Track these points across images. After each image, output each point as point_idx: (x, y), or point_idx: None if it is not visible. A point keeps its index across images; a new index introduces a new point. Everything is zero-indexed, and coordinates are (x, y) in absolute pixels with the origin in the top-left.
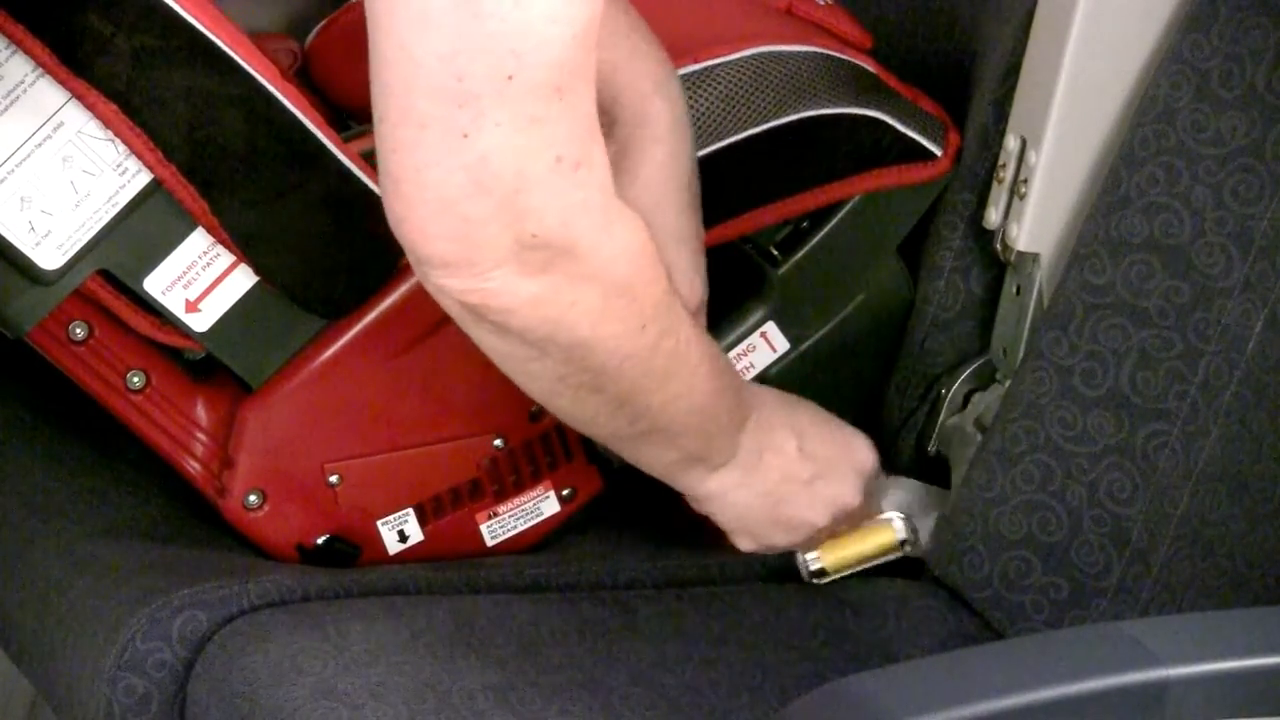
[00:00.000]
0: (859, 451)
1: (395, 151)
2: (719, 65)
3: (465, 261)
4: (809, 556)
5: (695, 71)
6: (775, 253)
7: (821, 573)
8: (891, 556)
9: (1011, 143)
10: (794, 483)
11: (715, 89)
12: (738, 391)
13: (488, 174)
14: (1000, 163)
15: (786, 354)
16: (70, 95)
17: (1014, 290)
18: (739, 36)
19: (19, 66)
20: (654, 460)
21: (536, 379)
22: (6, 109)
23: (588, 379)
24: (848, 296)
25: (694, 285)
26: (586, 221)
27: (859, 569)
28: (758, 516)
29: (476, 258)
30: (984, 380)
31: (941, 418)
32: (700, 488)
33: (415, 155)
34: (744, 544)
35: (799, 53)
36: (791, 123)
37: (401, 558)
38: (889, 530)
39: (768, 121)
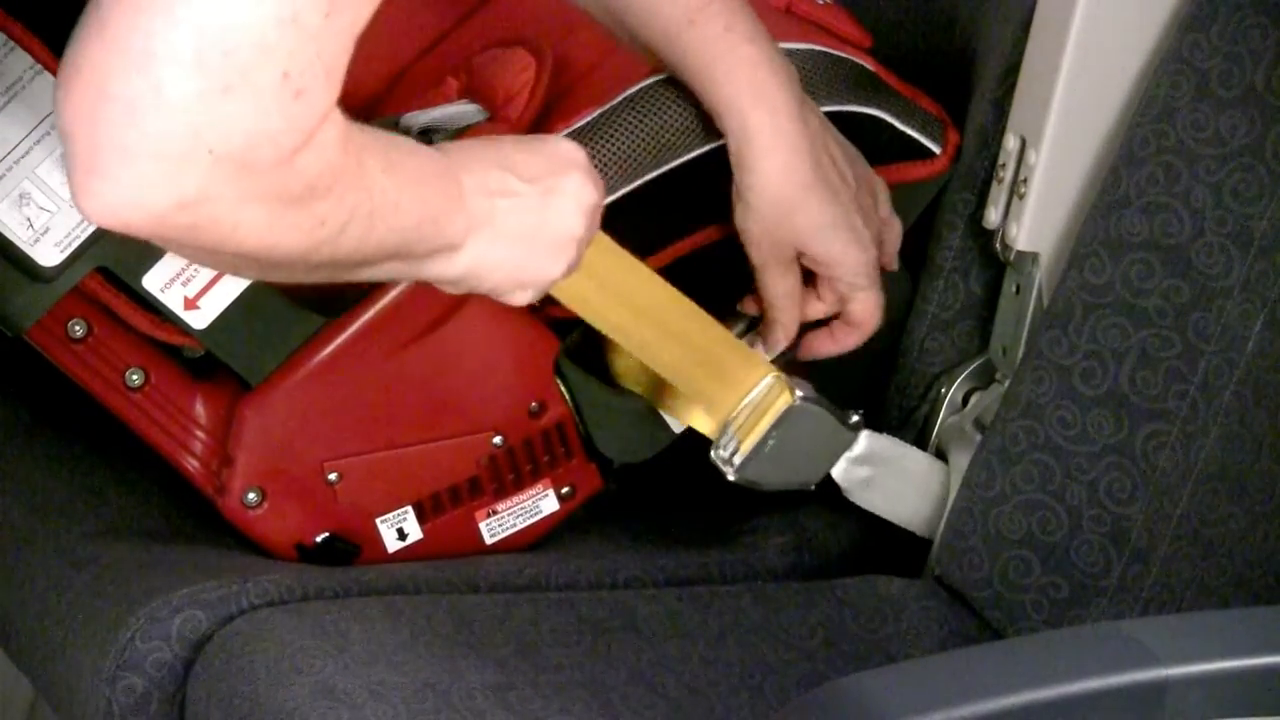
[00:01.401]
0: (561, 147)
1: None
2: None
3: (112, 148)
4: (724, 449)
5: None
6: None
7: (737, 450)
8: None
9: (1011, 142)
10: (531, 211)
11: None
12: (444, 176)
13: (213, 45)
14: (1000, 162)
15: (786, 352)
16: None
17: (1013, 290)
18: None
19: (17, 64)
20: (394, 275)
21: (210, 266)
22: (5, 106)
23: (268, 269)
24: None
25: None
26: (272, 152)
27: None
28: (521, 261)
29: (140, 157)
30: (984, 380)
31: (941, 417)
32: (453, 271)
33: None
34: (523, 297)
35: (798, 51)
36: None
37: (401, 556)
38: (775, 390)
39: None
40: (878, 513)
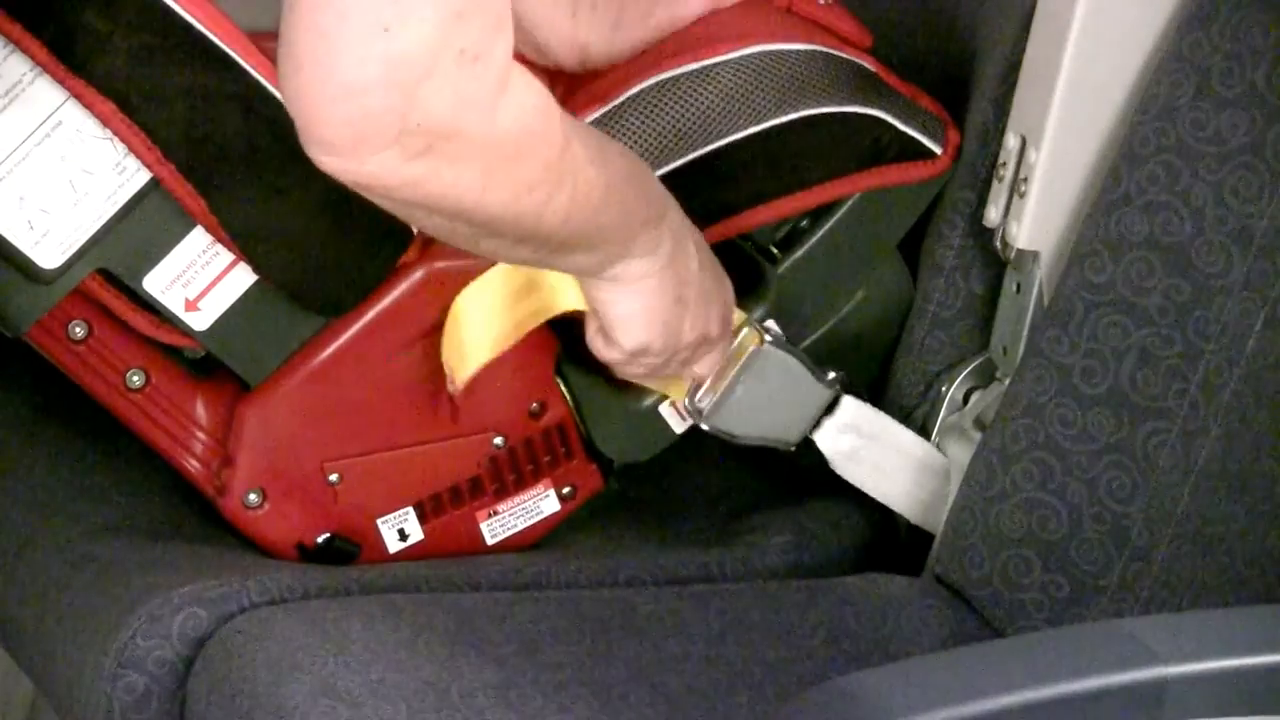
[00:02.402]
0: (728, 293)
1: (307, 38)
2: (719, 64)
3: (350, 148)
4: (697, 398)
5: (695, 70)
6: (775, 251)
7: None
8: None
9: (1011, 141)
10: (692, 290)
11: (715, 87)
12: (652, 197)
13: (402, 67)
14: (1000, 161)
15: None
16: (68, 94)
17: (1014, 288)
18: (739, 35)
19: (17, 65)
20: (575, 267)
21: (426, 228)
22: (5, 107)
23: (480, 230)
24: (848, 294)
25: (568, 30)
26: (474, 111)
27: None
28: (655, 311)
29: (362, 146)
30: (984, 378)
31: (941, 416)
32: (626, 271)
33: (329, 42)
34: (634, 336)
35: (799, 51)
36: (791, 121)
37: (401, 556)
38: (747, 337)
39: (767, 120)
40: (864, 489)
